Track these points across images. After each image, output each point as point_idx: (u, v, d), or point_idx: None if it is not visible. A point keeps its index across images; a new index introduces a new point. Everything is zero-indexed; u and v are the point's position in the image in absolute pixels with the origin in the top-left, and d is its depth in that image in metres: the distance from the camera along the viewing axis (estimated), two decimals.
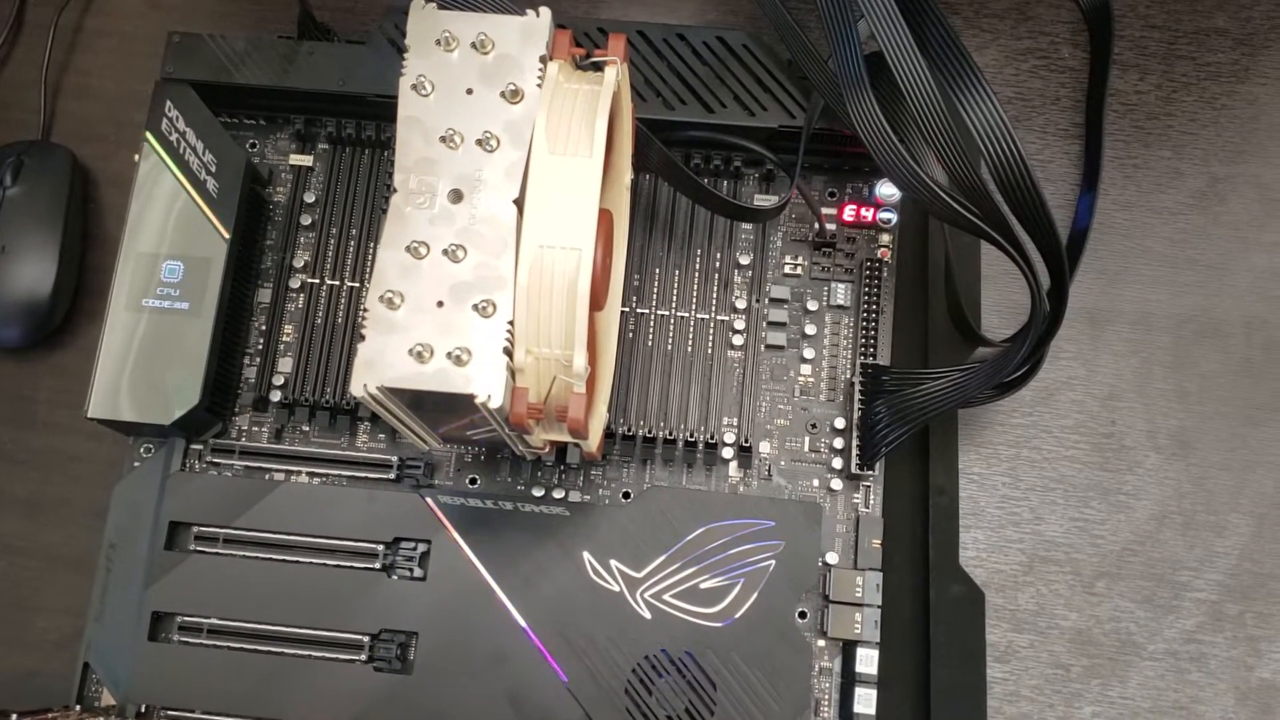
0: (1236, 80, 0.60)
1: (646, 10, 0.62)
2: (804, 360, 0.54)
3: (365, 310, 0.41)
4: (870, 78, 0.47)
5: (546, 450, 0.49)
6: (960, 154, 0.43)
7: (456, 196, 0.42)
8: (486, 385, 0.40)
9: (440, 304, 0.41)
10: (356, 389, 0.40)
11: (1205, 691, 0.53)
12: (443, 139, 0.42)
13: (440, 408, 0.43)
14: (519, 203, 0.42)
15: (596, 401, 0.48)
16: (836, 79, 0.48)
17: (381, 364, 0.40)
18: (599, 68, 0.44)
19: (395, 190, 0.42)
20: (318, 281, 0.54)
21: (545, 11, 0.44)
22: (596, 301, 0.47)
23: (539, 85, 0.43)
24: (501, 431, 0.44)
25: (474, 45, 0.43)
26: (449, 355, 0.40)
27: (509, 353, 0.41)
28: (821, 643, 0.50)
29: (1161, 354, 0.57)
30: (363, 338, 0.41)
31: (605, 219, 0.47)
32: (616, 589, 0.49)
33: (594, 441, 0.47)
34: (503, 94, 0.43)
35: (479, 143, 0.42)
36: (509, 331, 0.41)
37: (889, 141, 0.46)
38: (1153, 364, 0.57)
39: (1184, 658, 0.53)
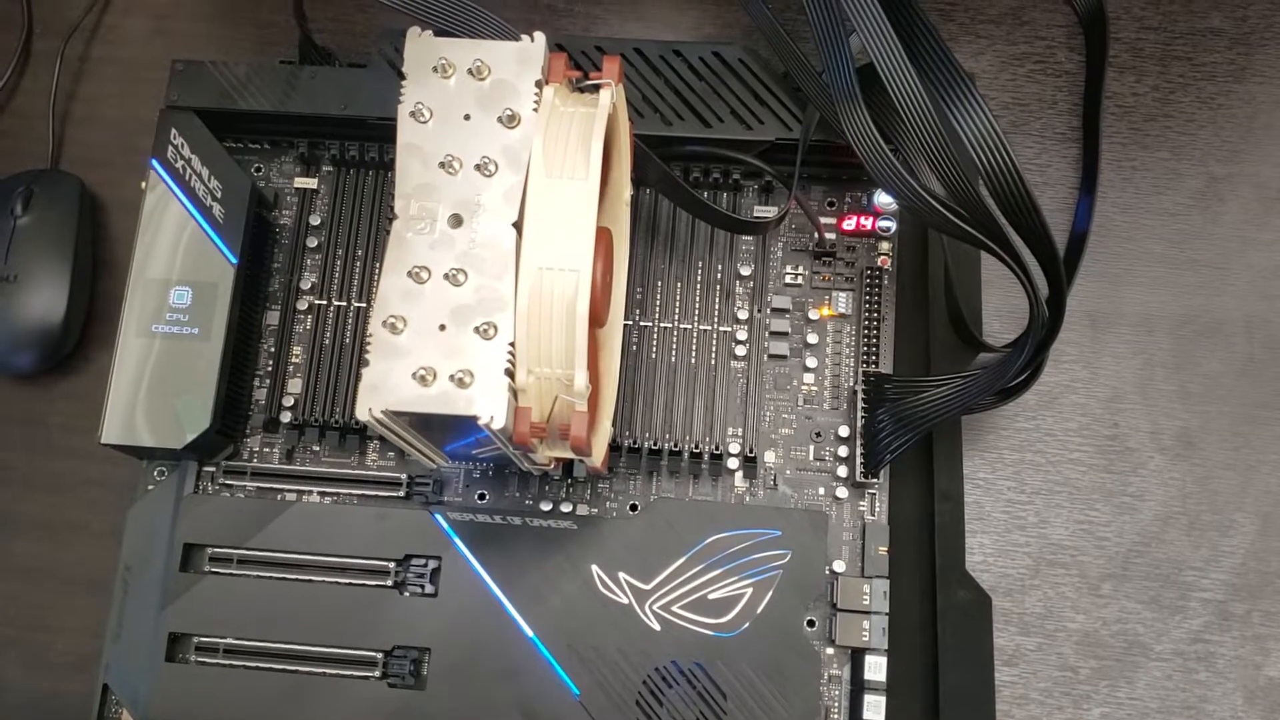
0: (1233, 80, 0.60)
1: (643, 27, 0.62)
2: (807, 369, 0.54)
3: (369, 335, 0.42)
4: (863, 90, 0.47)
5: (552, 466, 0.50)
6: (954, 164, 0.43)
7: (456, 221, 0.43)
8: (489, 406, 0.41)
9: (442, 327, 0.42)
10: (362, 413, 0.41)
11: (1214, 691, 0.53)
12: (442, 164, 0.43)
13: (445, 429, 0.43)
14: (518, 226, 0.43)
15: (600, 417, 0.48)
16: (830, 92, 0.48)
17: (385, 388, 0.41)
18: (595, 89, 0.44)
19: (396, 216, 0.43)
20: (325, 303, 0.55)
21: (540, 36, 0.44)
22: (597, 319, 0.47)
23: (535, 109, 0.43)
24: (506, 450, 0.45)
25: (470, 71, 0.43)
26: (452, 378, 0.41)
27: (511, 374, 0.41)
28: (830, 651, 0.51)
29: (1163, 355, 0.57)
30: (367, 362, 0.41)
31: (604, 236, 0.48)
32: (625, 601, 0.50)
33: (599, 457, 0.48)
34: (500, 119, 0.43)
35: (477, 167, 0.43)
36: (510, 353, 0.41)
37: (882, 153, 0.46)
38: (1155, 365, 0.57)
39: (1192, 658, 0.53)
